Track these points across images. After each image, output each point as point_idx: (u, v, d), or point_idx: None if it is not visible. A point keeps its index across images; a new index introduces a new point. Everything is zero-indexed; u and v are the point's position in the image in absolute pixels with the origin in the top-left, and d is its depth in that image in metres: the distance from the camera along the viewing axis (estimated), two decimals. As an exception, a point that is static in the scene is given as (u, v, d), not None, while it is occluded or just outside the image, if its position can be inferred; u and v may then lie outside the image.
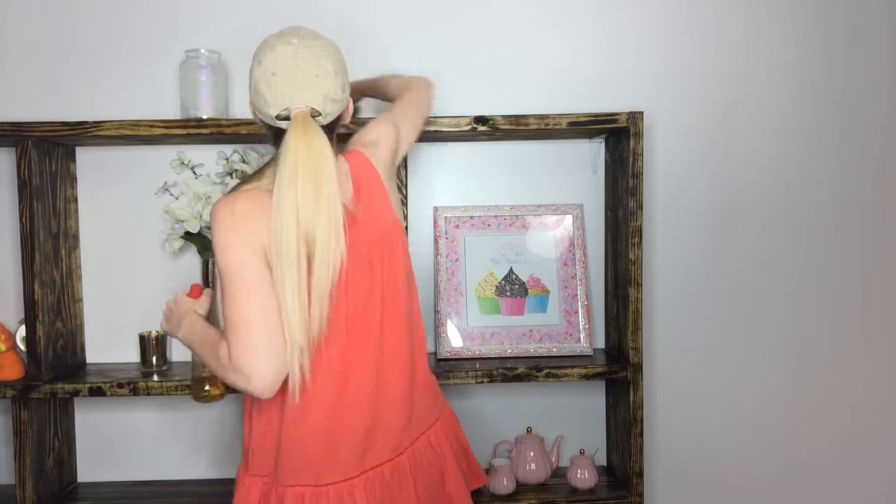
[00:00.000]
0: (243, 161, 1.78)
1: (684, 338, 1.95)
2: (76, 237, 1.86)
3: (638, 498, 1.71)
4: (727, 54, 1.91)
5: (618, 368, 1.72)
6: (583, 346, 1.83)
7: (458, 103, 1.86)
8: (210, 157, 1.84)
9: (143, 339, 1.79)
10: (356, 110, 1.69)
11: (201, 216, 1.74)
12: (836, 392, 1.97)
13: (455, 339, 1.82)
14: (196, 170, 1.82)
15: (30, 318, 1.67)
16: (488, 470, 1.76)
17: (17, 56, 1.86)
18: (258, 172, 1.27)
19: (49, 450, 1.77)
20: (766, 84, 1.92)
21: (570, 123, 1.69)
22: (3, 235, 1.87)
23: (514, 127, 1.68)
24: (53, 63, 1.86)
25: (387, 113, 1.45)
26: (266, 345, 1.14)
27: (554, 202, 1.91)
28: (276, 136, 1.25)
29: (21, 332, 1.80)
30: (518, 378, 1.70)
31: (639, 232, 1.70)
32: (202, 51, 1.74)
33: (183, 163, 1.80)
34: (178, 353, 1.89)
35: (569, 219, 1.89)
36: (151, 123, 1.66)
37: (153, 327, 1.87)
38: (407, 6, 1.89)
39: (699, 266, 1.94)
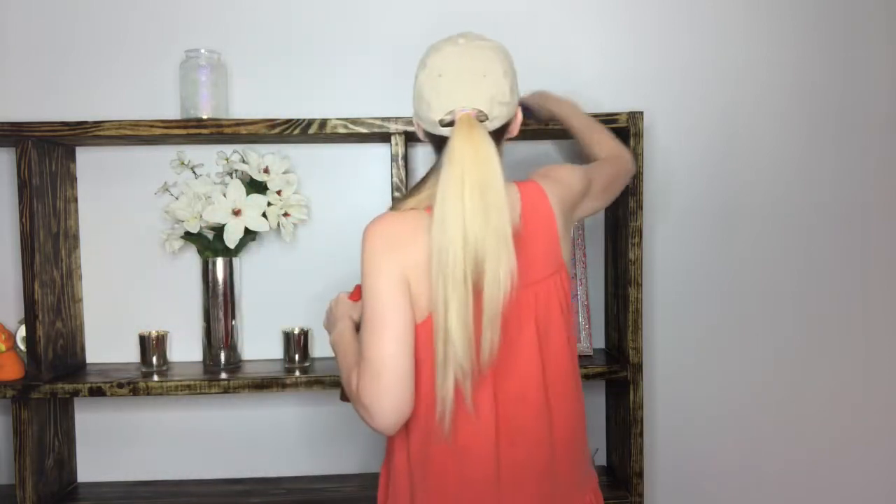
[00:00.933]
0: (243, 161, 1.78)
1: (684, 338, 1.95)
2: (76, 237, 1.86)
3: (638, 498, 1.71)
4: (727, 54, 1.91)
5: (618, 368, 1.72)
6: (583, 346, 1.83)
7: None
8: (210, 157, 1.84)
9: (143, 339, 1.79)
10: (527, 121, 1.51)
11: (201, 216, 1.74)
12: (836, 392, 1.97)
13: (455, 339, 1.82)
14: (196, 170, 1.82)
15: (30, 318, 1.67)
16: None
17: (17, 56, 1.86)
18: (418, 185, 1.18)
19: (49, 450, 1.77)
20: (766, 84, 1.92)
21: (570, 123, 1.69)
22: (3, 235, 1.87)
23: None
24: (53, 63, 1.86)
25: (585, 167, 1.32)
26: (393, 388, 1.08)
27: (554, 202, 1.91)
28: (438, 145, 1.17)
29: (21, 332, 1.80)
30: (518, 378, 1.70)
31: (639, 232, 1.70)
32: (202, 51, 1.74)
33: (183, 163, 1.80)
34: (178, 353, 1.89)
35: (569, 219, 1.89)
36: (151, 123, 1.66)
37: (153, 327, 1.87)
38: (407, 6, 1.89)
39: (699, 266, 1.94)
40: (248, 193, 1.75)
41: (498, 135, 1.17)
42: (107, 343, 1.89)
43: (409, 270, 1.09)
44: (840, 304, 1.96)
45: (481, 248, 1.04)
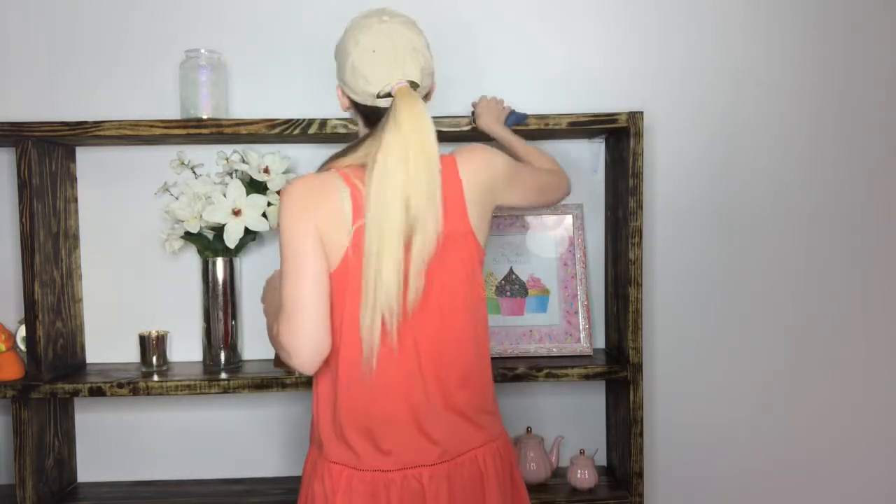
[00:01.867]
0: (243, 161, 1.78)
1: (684, 338, 1.95)
2: (76, 237, 1.86)
3: (638, 498, 1.71)
4: (727, 54, 1.91)
5: (618, 368, 1.72)
6: (583, 346, 1.83)
7: (457, 103, 1.86)
8: (210, 157, 1.84)
9: (143, 339, 1.79)
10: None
11: (201, 216, 1.74)
12: (836, 392, 1.97)
13: (455, 339, 1.82)
14: (196, 170, 1.82)
15: (30, 318, 1.67)
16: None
17: (17, 56, 1.86)
18: (354, 146, 1.27)
19: (49, 450, 1.77)
20: (766, 84, 1.92)
21: (570, 123, 1.69)
22: (3, 235, 1.87)
23: (514, 127, 1.68)
24: (53, 63, 1.86)
25: (519, 162, 1.45)
26: (310, 328, 1.20)
27: (554, 202, 1.91)
28: (368, 117, 1.28)
29: (21, 332, 1.80)
30: (518, 378, 1.70)
31: (639, 232, 1.70)
32: (202, 51, 1.75)
33: (183, 163, 1.80)
34: (178, 353, 1.89)
35: (569, 219, 1.89)
36: (151, 123, 1.66)
37: (153, 327, 1.87)
38: (406, 6, 1.88)
39: (699, 266, 1.94)
40: (248, 193, 1.76)
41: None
42: (107, 343, 1.89)
43: (322, 225, 1.21)
44: (840, 304, 1.96)
45: (418, 209, 1.17)
